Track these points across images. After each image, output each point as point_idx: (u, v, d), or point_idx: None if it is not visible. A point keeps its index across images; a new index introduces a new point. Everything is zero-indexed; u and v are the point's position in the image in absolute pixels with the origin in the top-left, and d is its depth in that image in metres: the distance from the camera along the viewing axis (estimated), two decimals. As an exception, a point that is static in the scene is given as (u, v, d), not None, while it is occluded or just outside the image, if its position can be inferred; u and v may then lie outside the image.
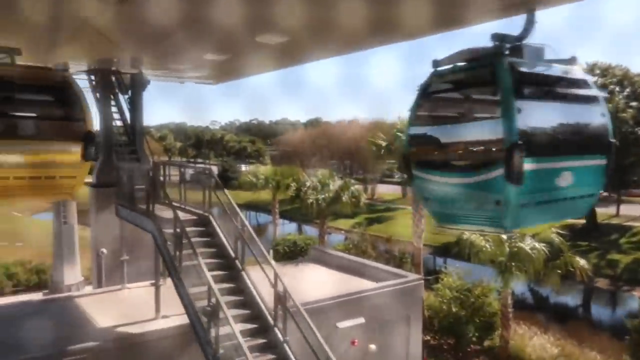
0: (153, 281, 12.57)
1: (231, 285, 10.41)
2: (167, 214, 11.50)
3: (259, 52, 12.18)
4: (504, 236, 18.00)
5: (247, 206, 55.16)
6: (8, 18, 10.18)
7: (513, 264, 18.25)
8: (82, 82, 22.05)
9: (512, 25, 7.41)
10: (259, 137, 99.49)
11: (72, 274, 23.86)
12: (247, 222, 11.12)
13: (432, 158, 7.55)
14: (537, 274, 18.82)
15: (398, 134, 22.54)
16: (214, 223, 11.60)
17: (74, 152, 8.31)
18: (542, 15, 7.31)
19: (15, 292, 25.87)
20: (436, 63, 7.20)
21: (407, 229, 35.66)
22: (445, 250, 39.75)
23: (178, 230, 10.24)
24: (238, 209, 11.33)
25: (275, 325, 9.82)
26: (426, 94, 7.36)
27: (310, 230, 45.25)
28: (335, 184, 27.45)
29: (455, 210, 6.93)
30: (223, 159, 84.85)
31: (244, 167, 76.19)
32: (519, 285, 26.44)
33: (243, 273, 10.70)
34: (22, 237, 36.64)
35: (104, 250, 15.14)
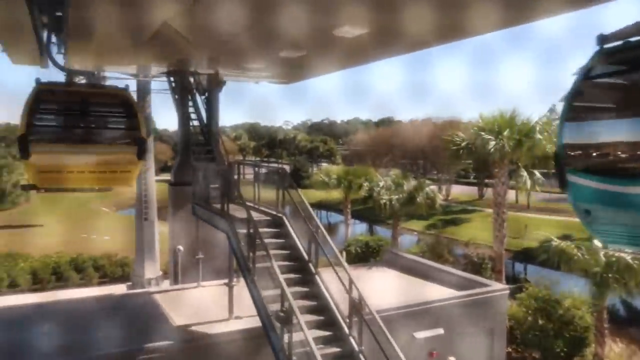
0: (227, 280, 12.56)
1: (305, 289, 10.08)
2: (241, 213, 11.39)
3: (335, 48, 11.80)
4: (599, 244, 16.33)
5: (318, 205, 55.23)
6: (90, 29, 10.79)
7: (610, 275, 16.51)
8: (162, 84, 23.06)
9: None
10: (331, 136, 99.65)
11: (152, 269, 24.88)
12: (320, 224, 10.72)
13: (596, 161, 5.80)
14: (639, 286, 16.91)
15: (480, 132, 21.28)
16: (288, 224, 11.32)
17: (130, 152, 10.21)
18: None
19: (101, 283, 27.42)
20: (602, 38, 5.33)
21: (485, 232, 33.89)
22: (526, 256, 37.41)
23: (251, 231, 10.01)
24: (312, 210, 10.98)
25: (350, 334, 9.34)
26: (588, 79, 5.55)
27: (381, 231, 44.43)
28: (409, 184, 26.55)
29: (633, 229, 5.28)
30: (295, 158, 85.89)
31: (315, 167, 76.64)
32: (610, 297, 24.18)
33: (317, 277, 10.32)
34: (109, 232, 38.88)
35: (181, 248, 15.44)
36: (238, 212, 11.49)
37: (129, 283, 25.32)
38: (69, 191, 12.92)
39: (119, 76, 23.92)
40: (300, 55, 11.98)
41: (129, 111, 10.33)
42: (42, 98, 9.82)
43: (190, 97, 16.08)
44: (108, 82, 21.22)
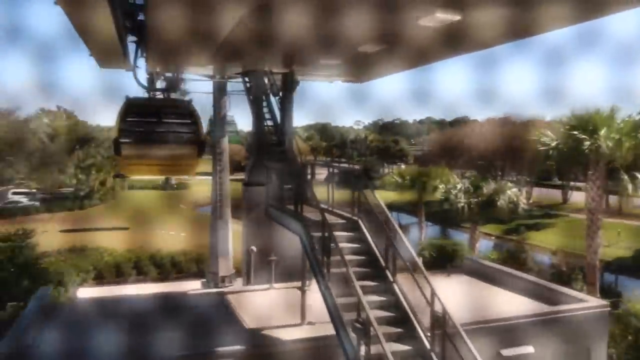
0: (299, 284, 12.23)
1: (382, 298, 9.45)
2: (314, 216, 11.01)
3: (413, 42, 11.11)
4: None
5: (390, 206, 53.82)
6: (169, 32, 11.11)
7: None
8: (237, 84, 23.29)
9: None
10: (402, 137, 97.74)
11: (225, 266, 25.28)
12: (399, 229, 10.05)
13: None
14: None
15: (572, 131, 19.52)
16: (363, 228, 10.74)
17: (192, 150, 12.69)
18: None
19: (177, 279, 28.34)
20: None
21: (571, 239, 31.37)
22: (619, 267, 34.34)
23: (326, 234, 9.54)
24: (389, 214, 10.33)
25: (432, 349, 8.60)
26: None
27: (455, 234, 42.66)
28: (489, 186, 25.05)
29: None
30: (366, 158, 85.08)
31: (386, 167, 75.42)
32: None
33: (394, 285, 9.66)
34: (186, 228, 40.22)
35: (254, 248, 15.33)
36: (311, 214, 11.12)
37: (204, 280, 25.97)
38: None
39: (196, 78, 24.62)
40: (380, 49, 11.36)
41: (192, 119, 12.76)
42: (129, 110, 12.63)
43: (264, 98, 15.95)
44: (185, 84, 21.86)
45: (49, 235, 32.42)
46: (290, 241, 14.07)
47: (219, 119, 24.91)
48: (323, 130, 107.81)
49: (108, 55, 17.23)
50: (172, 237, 37.45)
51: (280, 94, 16.09)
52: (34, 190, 52.97)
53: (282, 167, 12.96)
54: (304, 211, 11.28)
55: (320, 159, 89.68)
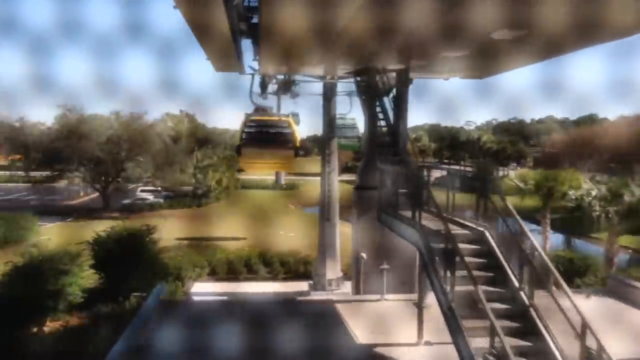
0: (414, 297, 11.22)
1: (517, 324, 8.14)
2: (433, 224, 9.95)
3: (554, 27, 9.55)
4: None
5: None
6: (282, 33, 11.23)
7: None
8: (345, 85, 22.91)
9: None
10: (520, 137, 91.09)
11: (333, 269, 24.93)
12: (537, 244, 8.63)
13: None
14: None
15: None
16: (491, 241, 9.44)
17: (290, 152, 15.82)
18: None
19: (285, 279, 28.54)
20: None
21: None
22: None
23: (449, 247, 8.45)
24: (524, 225, 8.94)
25: (582, 392, 7.15)
26: None
27: (581, 244, 38.25)
28: (632, 194, 21.76)
29: None
30: (479, 160, 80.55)
31: (502, 170, 70.65)
32: None
33: (531, 310, 8.27)
34: (294, 228, 40.72)
35: (364, 255, 14.55)
36: (429, 221, 10.08)
37: (311, 282, 25.84)
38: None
39: (307, 79, 24.55)
40: (517, 34, 9.92)
41: (290, 129, 16.00)
42: (248, 123, 16.23)
43: (377, 97, 15.11)
44: (296, 86, 22.31)
45: (169, 230, 34.58)
46: (403, 249, 13.15)
47: (328, 120, 24.67)
48: (432, 131, 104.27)
49: (223, 58, 17.66)
50: (281, 237, 38.09)
51: (394, 92, 15.12)
52: (159, 188, 57.33)
53: (397, 170, 12.02)
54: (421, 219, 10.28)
55: (428, 160, 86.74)
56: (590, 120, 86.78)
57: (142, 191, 56.52)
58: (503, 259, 9.04)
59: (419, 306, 10.48)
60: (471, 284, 7.95)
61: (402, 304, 12.40)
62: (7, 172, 65.01)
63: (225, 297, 21.52)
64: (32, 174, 56.32)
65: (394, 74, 15.59)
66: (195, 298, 18.37)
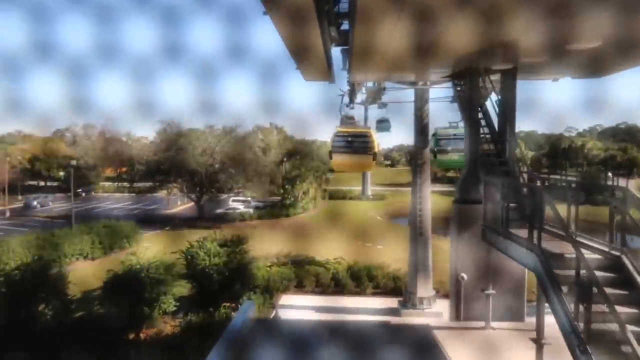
0: (523, 325, 9.77)
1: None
2: (550, 245, 8.52)
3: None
4: None
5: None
6: (375, 40, 11.30)
7: None
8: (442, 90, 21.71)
9: None
10: (632, 143, 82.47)
11: (424, 287, 23.52)
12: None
13: None
14: None
15: None
16: (631, 268, 7.82)
17: (370, 157, 19.16)
18: None
19: (374, 294, 27.45)
20: None
21: None
22: None
23: (584, 276, 7.02)
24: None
25: None
26: None
27: None
28: None
29: None
30: (583, 169, 73.94)
31: (610, 180, 63.98)
32: None
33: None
34: (382, 240, 39.54)
35: (465, 276, 13.13)
36: (546, 242, 8.65)
37: (401, 299, 24.58)
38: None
39: (397, 86, 23.55)
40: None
41: (370, 139, 19.07)
42: (337, 134, 19.15)
43: (480, 101, 13.75)
44: (387, 93, 21.76)
45: (259, 241, 35.06)
46: (511, 272, 11.69)
47: (420, 128, 23.42)
48: (527, 138, 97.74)
49: (313, 66, 17.22)
50: (368, 249, 37.11)
51: (499, 95, 13.65)
52: (249, 198, 58.90)
53: (507, 183, 10.62)
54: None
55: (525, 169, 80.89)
56: None
57: (234, 201, 58.34)
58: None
59: (538, 342, 8.99)
60: (613, 321, 6.50)
61: (510, 334, 10.91)
62: (116, 184, 70.50)
63: (315, 317, 21.00)
64: (136, 184, 60.51)
65: (498, 76, 14.11)
66: (284, 317, 17.93)
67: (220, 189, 56.50)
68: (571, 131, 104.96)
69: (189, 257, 23.57)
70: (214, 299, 21.77)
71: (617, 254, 8.09)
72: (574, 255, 7.56)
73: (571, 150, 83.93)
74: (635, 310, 7.32)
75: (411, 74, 19.22)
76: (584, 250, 8.39)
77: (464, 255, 13.31)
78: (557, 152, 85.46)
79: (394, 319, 20.71)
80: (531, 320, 10.62)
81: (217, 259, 23.04)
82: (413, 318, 22.45)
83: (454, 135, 18.39)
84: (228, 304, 21.88)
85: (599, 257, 8.23)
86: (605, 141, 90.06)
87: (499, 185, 10.64)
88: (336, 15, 13.86)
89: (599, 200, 9.78)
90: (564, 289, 7.44)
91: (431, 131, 22.35)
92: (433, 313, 22.59)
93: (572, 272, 7.47)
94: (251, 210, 56.06)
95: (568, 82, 16.84)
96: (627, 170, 74.55)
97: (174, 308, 21.82)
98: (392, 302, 24.83)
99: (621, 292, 7.65)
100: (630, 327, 6.56)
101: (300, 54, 15.15)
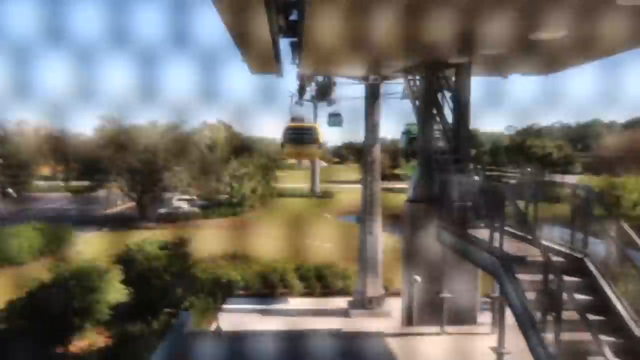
0: (481, 329, 9.27)
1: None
2: (509, 245, 8.04)
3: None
4: None
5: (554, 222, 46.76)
6: (325, 31, 10.87)
7: None
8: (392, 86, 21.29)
9: None
10: (566, 141, 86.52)
11: (374, 286, 23.02)
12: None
13: None
14: None
15: None
16: (595, 272, 7.41)
17: (315, 147, 22.62)
18: None
19: (323, 294, 26.72)
20: None
21: None
22: None
23: (551, 283, 6.50)
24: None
25: None
26: None
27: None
28: None
29: None
30: (522, 167, 76.71)
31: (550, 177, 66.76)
32: None
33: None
34: (331, 239, 39.03)
35: (418, 278, 12.56)
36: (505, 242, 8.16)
37: (350, 299, 24.01)
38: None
39: (348, 81, 22.89)
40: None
41: (315, 131, 22.21)
42: (288, 128, 22.03)
43: (433, 96, 13.22)
44: (337, 88, 21.66)
45: (203, 241, 33.60)
46: (464, 274, 11.23)
47: (371, 125, 22.85)
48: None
49: (260, 58, 16.26)
50: (317, 248, 36.45)
51: (454, 89, 13.16)
52: (194, 197, 56.84)
53: (464, 181, 10.10)
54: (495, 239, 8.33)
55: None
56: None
57: (179, 200, 56.13)
58: (616, 298, 7.00)
59: (499, 352, 8.47)
60: (582, 330, 6.00)
61: (467, 339, 10.44)
62: (52, 182, 66.21)
63: (262, 320, 20.00)
64: (74, 183, 56.94)
65: (454, 70, 13.60)
66: (224, 330, 16.64)
67: (164, 187, 54.18)
68: (510, 129, 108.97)
69: (126, 261, 21.98)
70: (153, 306, 20.34)
71: (580, 256, 7.66)
72: (536, 258, 7.06)
73: (512, 148, 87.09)
74: (601, 318, 6.89)
75: (363, 68, 18.54)
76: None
77: (417, 255, 12.74)
78: (499, 149, 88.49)
79: (345, 322, 20.03)
80: (484, 323, 10.21)
81: (157, 262, 21.58)
82: (363, 318, 21.96)
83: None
84: (170, 311, 20.51)
85: (562, 259, 7.79)
86: (542, 139, 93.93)
87: (455, 184, 10.11)
88: (285, 4, 13.04)
89: (554, 197, 9.41)
90: (530, 295, 6.90)
91: (400, 128, 22.39)
92: (383, 313, 22.20)
93: (535, 277, 6.96)
94: (197, 210, 54.10)
95: (523, 79, 16.82)
96: (562, 168, 78.16)
97: (108, 317, 20.17)
98: (341, 303, 24.23)
99: (588, 297, 7.23)
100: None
101: (247, 44, 14.25)
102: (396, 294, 23.66)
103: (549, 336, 6.25)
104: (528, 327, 6.64)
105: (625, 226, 7.04)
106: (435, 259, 11.65)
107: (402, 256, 13.45)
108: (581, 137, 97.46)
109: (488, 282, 11.93)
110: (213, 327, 17.60)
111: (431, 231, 11.21)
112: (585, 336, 5.99)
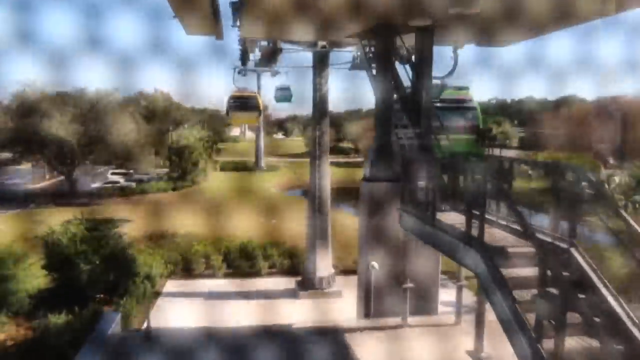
0: (445, 320, 8.38)
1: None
2: (496, 236, 7.08)
3: None
4: None
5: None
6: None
7: None
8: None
9: None
10: (504, 117, 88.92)
11: (323, 266, 22.16)
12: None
13: None
14: None
15: None
16: (583, 263, 6.57)
17: (255, 113, 24.95)
18: None
19: (270, 274, 25.54)
20: None
21: None
22: None
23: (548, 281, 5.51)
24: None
25: None
26: None
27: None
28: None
29: None
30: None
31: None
32: None
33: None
34: (276, 214, 37.71)
35: (375, 265, 11.49)
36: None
37: (299, 278, 23.09)
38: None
39: (294, 48, 21.27)
40: None
41: (256, 100, 24.82)
42: (231, 97, 24.08)
43: (391, 64, 11.95)
44: (283, 55, 20.09)
45: (141, 219, 31.27)
46: (425, 260, 10.29)
47: (320, 94, 21.48)
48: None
49: (196, 17, 14.33)
50: (262, 225, 35.05)
51: (413, 57, 11.96)
52: (131, 171, 53.52)
53: (433, 160, 9.01)
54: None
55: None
56: (568, 101, 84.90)
57: (113, 174, 52.62)
58: (606, 290, 6.19)
59: (477, 358, 7.56)
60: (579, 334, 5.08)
61: (432, 331, 9.55)
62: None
63: (204, 305, 18.57)
64: (-6, 156, 51.86)
65: (414, 36, 12.36)
66: (160, 328, 14.75)
67: (96, 160, 50.44)
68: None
69: (49, 243, 19.70)
70: (81, 294, 18.34)
71: (566, 246, 6.79)
72: (520, 250, 6.09)
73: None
74: (589, 311, 6.04)
75: (311, 32, 16.96)
76: (520, 240, 7.03)
77: (375, 239, 11.63)
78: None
79: (292, 303, 19.02)
80: (445, 313, 9.36)
81: (85, 245, 19.45)
82: (312, 299, 21.13)
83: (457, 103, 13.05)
84: (100, 297, 18.64)
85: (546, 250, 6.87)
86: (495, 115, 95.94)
87: (421, 163, 9.00)
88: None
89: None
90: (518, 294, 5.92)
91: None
92: (333, 293, 21.46)
93: (519, 272, 6.01)
94: (133, 185, 50.90)
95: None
96: (501, 142, 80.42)
97: (29, 306, 18.00)
98: (289, 283, 23.21)
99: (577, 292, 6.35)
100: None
101: (180, 3, 12.41)
102: (345, 272, 23.08)
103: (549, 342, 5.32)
104: (516, 331, 5.69)
105: (624, 214, 6.21)
106: (396, 243, 10.63)
107: (359, 240, 12.31)
108: (517, 113, 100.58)
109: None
110: (144, 325, 15.90)
111: (391, 214, 10.14)
112: (584, 343, 5.08)
